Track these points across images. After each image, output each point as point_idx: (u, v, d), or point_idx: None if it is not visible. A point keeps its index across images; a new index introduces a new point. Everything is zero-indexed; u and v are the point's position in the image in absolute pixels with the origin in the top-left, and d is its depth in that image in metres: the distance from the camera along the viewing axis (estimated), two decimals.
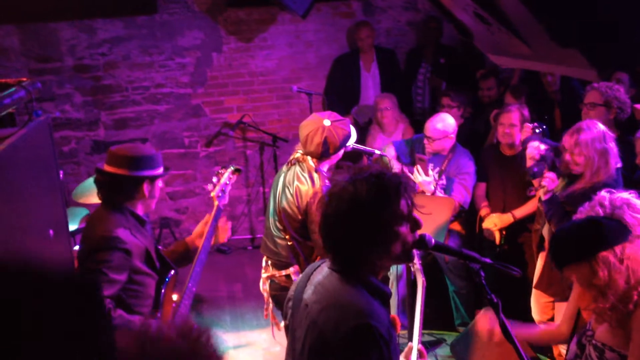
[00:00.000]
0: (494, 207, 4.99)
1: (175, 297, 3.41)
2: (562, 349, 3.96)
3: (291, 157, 3.97)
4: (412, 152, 5.24)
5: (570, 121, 4.88)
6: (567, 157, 3.92)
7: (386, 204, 2.02)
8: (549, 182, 3.99)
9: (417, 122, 6.37)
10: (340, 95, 7.03)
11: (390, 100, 6.04)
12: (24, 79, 2.30)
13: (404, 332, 4.62)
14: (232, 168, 3.86)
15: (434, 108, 6.31)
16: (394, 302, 4.88)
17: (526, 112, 4.85)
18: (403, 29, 7.39)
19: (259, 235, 7.29)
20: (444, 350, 4.81)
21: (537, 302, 4.31)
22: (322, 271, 2.19)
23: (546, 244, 4.09)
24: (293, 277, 3.86)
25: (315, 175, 3.79)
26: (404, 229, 2.07)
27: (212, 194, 3.69)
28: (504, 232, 4.88)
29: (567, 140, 3.92)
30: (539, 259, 4.26)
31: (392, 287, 4.89)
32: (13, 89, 2.16)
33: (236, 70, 7.01)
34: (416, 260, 3.28)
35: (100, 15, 6.51)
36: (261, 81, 7.09)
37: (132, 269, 3.12)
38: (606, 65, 4.58)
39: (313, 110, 6.17)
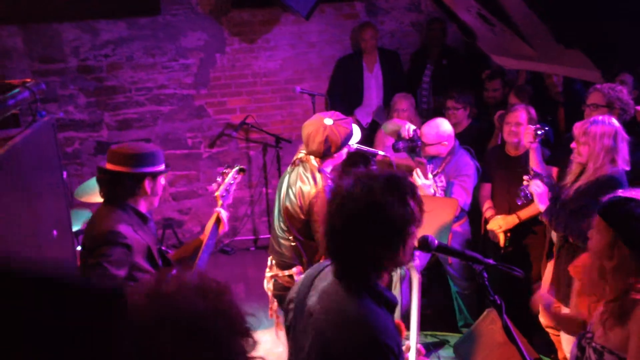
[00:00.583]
0: (498, 209, 4.97)
1: None
2: (568, 353, 3.95)
3: (295, 158, 3.98)
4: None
5: (574, 122, 4.88)
6: (573, 145, 3.91)
7: (403, 204, 2.03)
8: (534, 188, 4.03)
9: (423, 124, 6.35)
10: (343, 96, 7.03)
11: (408, 102, 5.96)
12: (28, 80, 2.30)
13: (407, 334, 4.61)
14: (236, 168, 3.86)
15: (439, 110, 6.29)
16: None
17: (533, 112, 4.84)
18: (406, 30, 7.38)
19: (261, 236, 7.30)
20: (447, 352, 4.80)
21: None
22: (326, 277, 2.17)
23: (554, 250, 4.07)
24: (295, 278, 3.87)
25: (318, 175, 3.79)
26: (415, 231, 2.09)
27: (216, 194, 3.69)
28: (508, 234, 4.86)
29: (577, 127, 3.90)
30: (548, 266, 4.22)
31: (396, 288, 4.88)
32: (17, 89, 2.16)
33: (239, 71, 7.02)
34: (415, 257, 3.26)
35: (104, 16, 6.52)
36: (264, 82, 7.10)
37: (133, 265, 3.13)
38: (610, 67, 4.57)
39: (316, 111, 6.17)
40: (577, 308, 3.06)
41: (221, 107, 7.05)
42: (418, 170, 4.65)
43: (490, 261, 2.38)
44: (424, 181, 4.62)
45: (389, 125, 5.10)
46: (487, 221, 5.00)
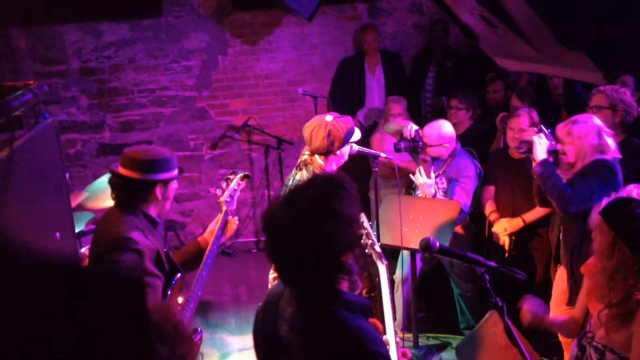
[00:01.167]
0: (502, 211, 4.96)
1: (180, 300, 3.42)
2: None
3: (299, 161, 3.99)
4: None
5: None
6: (558, 146, 3.94)
7: (348, 202, 1.93)
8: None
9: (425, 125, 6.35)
10: (345, 98, 7.04)
11: (401, 106, 5.98)
12: (31, 82, 2.30)
13: (409, 336, 4.61)
14: (241, 174, 3.87)
15: (441, 110, 6.29)
16: (399, 305, 4.88)
17: (535, 116, 4.84)
18: (408, 32, 7.39)
19: (263, 238, 7.26)
20: (449, 354, 4.80)
21: (558, 308, 4.25)
22: (290, 303, 2.03)
23: (562, 252, 4.06)
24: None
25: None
26: (360, 226, 2.03)
27: (221, 199, 3.70)
28: (513, 237, 4.85)
29: (560, 129, 3.94)
30: (558, 271, 4.21)
31: (398, 291, 4.88)
32: (20, 91, 2.17)
33: (241, 73, 7.02)
34: (376, 246, 3.19)
35: (106, 18, 6.53)
36: (266, 84, 7.10)
37: (143, 270, 3.13)
38: (611, 68, 4.57)
39: (318, 112, 6.17)
40: (581, 306, 3.06)
41: (223, 109, 7.06)
42: (421, 168, 4.65)
43: (492, 263, 2.38)
44: (425, 180, 4.61)
45: (391, 125, 5.10)
46: (491, 224, 4.99)
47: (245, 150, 7.23)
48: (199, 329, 3.55)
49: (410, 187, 5.10)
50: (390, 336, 2.67)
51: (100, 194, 4.70)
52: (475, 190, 4.90)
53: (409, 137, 4.68)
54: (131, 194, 3.21)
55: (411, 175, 4.77)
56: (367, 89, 7.05)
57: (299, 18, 6.27)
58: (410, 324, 4.63)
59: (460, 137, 5.15)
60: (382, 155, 4.25)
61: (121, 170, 3.22)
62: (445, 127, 4.85)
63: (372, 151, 4.30)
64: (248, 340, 5.65)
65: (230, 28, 6.88)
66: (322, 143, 3.78)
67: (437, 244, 2.33)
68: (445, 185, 4.86)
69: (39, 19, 6.30)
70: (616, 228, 2.46)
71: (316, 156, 3.87)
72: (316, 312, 1.96)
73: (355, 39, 7.20)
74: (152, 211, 3.30)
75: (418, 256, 4.67)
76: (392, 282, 4.96)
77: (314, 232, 1.89)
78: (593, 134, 3.81)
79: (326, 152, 3.82)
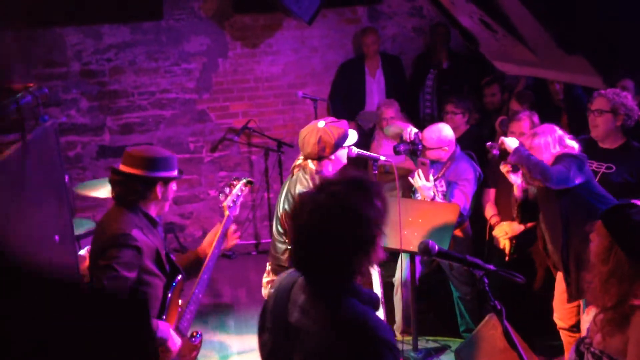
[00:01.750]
0: (503, 215, 4.96)
1: (181, 302, 3.42)
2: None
3: (293, 165, 4.01)
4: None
5: (577, 128, 4.89)
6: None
7: (370, 205, 2.01)
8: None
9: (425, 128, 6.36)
10: (345, 101, 7.04)
11: (394, 109, 5.99)
12: (31, 85, 2.31)
13: (408, 339, 4.61)
14: (244, 180, 3.89)
15: (442, 115, 6.30)
16: (398, 307, 4.88)
17: (536, 119, 4.84)
18: (408, 35, 7.39)
19: (263, 241, 7.30)
20: (448, 357, 4.80)
21: (561, 308, 4.25)
22: (304, 290, 2.11)
23: (552, 254, 4.07)
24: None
25: (317, 178, 3.81)
26: (383, 229, 2.06)
27: (224, 204, 3.71)
28: (514, 241, 4.85)
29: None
30: (559, 276, 4.22)
31: (397, 294, 4.88)
32: (20, 94, 2.17)
33: (242, 75, 7.03)
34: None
35: (107, 20, 6.54)
36: (266, 87, 7.11)
37: (142, 268, 3.14)
38: (611, 73, 4.57)
39: (318, 116, 6.18)
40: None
41: (223, 112, 7.06)
42: (420, 171, 4.65)
43: (491, 267, 2.38)
44: (424, 183, 4.62)
45: (392, 128, 5.11)
46: (492, 228, 4.99)
47: (245, 152, 7.23)
48: (199, 332, 3.55)
49: (409, 190, 5.10)
50: None
51: (96, 186, 4.73)
52: (474, 193, 4.90)
53: (408, 140, 4.69)
54: (131, 191, 3.23)
55: (410, 178, 4.77)
56: (367, 92, 7.06)
57: (299, 21, 6.28)
58: (410, 326, 4.63)
59: (458, 141, 5.15)
60: (382, 158, 4.26)
61: (122, 167, 3.26)
62: (445, 130, 4.85)
63: (372, 154, 4.31)
64: (247, 342, 5.69)
65: (230, 31, 6.89)
66: (314, 149, 3.80)
67: (436, 247, 2.33)
68: (444, 188, 4.86)
69: (39, 21, 6.31)
70: (613, 232, 2.47)
71: (309, 161, 3.88)
72: (329, 300, 2.03)
73: (355, 42, 7.21)
74: (152, 211, 3.32)
75: (417, 259, 4.67)
76: (391, 285, 4.97)
77: (333, 230, 1.98)
78: (554, 143, 3.93)
79: (318, 158, 3.84)
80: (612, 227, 2.48)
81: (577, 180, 3.78)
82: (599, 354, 2.52)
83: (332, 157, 3.85)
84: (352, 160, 4.11)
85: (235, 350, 5.21)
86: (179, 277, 3.41)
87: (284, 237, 3.93)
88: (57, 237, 2.30)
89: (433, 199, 4.68)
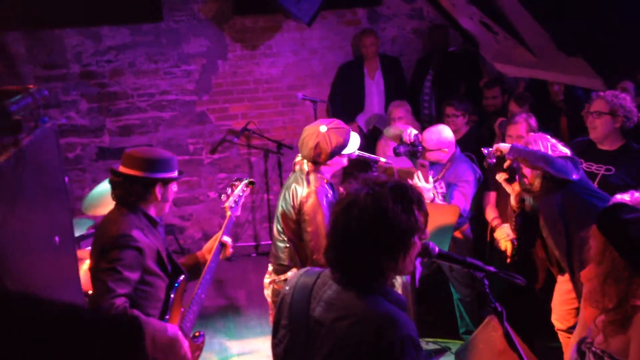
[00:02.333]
0: (504, 218, 4.96)
1: (184, 302, 3.43)
2: None
3: (294, 162, 4.04)
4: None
5: (577, 130, 4.89)
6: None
7: (408, 213, 2.04)
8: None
9: (425, 129, 6.36)
10: (345, 102, 7.04)
11: (404, 109, 5.98)
12: (31, 86, 2.31)
13: None
14: (246, 180, 3.91)
15: (440, 116, 6.30)
16: None
17: (533, 122, 4.84)
18: (408, 37, 7.40)
19: (263, 242, 7.30)
20: (448, 359, 4.80)
21: (559, 309, 4.25)
22: (329, 286, 2.14)
23: (558, 258, 4.07)
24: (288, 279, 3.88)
25: (312, 177, 3.85)
26: (418, 240, 2.10)
27: (226, 205, 3.72)
28: (515, 243, 4.85)
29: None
30: (559, 280, 4.22)
31: None
32: (20, 96, 2.17)
33: (241, 77, 7.03)
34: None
35: (106, 22, 6.54)
36: (266, 88, 7.11)
37: (144, 268, 3.15)
38: (612, 74, 4.58)
39: (318, 117, 6.18)
40: (583, 313, 3.06)
41: (223, 114, 7.06)
42: (419, 173, 4.66)
43: (491, 268, 2.38)
44: (424, 184, 4.62)
45: (391, 130, 5.11)
46: (493, 230, 4.99)
47: (245, 154, 7.23)
48: (201, 333, 3.56)
49: None
50: None
51: (100, 201, 4.70)
52: (474, 195, 4.90)
53: (408, 142, 4.69)
54: (131, 192, 3.24)
55: (409, 180, 4.77)
56: (366, 93, 7.06)
57: (299, 23, 6.28)
58: None
59: (458, 143, 5.15)
60: (382, 160, 4.26)
61: (122, 169, 3.26)
62: (445, 132, 4.86)
63: (372, 156, 4.31)
64: (247, 344, 5.68)
65: (230, 33, 6.89)
66: (309, 153, 3.82)
67: (437, 248, 2.33)
68: (444, 189, 4.87)
69: (39, 23, 6.31)
70: (606, 233, 2.48)
71: (305, 162, 3.92)
72: (358, 295, 2.06)
73: (354, 44, 7.21)
74: (152, 212, 3.33)
75: (417, 261, 4.66)
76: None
77: (364, 228, 2.02)
78: (546, 150, 3.91)
79: (313, 162, 3.85)
80: (605, 228, 2.49)
81: (575, 176, 3.78)
82: (600, 354, 2.52)
83: (329, 162, 3.86)
84: (353, 161, 4.12)
85: (235, 352, 5.21)
86: (182, 277, 3.42)
87: (284, 236, 3.96)
88: (57, 239, 2.30)
89: (433, 200, 4.68)
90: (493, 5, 4.64)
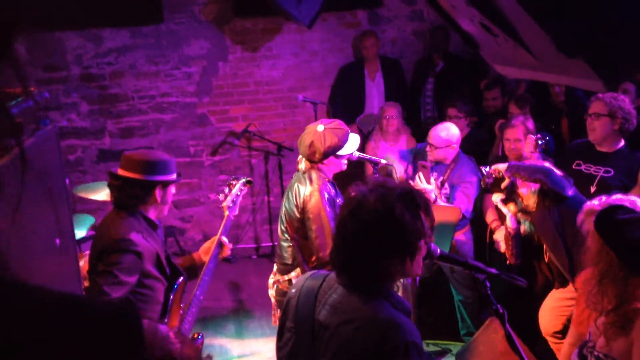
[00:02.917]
0: (504, 220, 4.96)
1: (182, 304, 3.43)
2: None
3: (297, 161, 4.09)
4: (415, 161, 5.26)
5: (578, 131, 4.89)
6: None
7: (415, 218, 2.06)
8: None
9: (426, 131, 6.37)
10: (345, 104, 7.05)
11: (397, 109, 6.06)
12: (32, 89, 2.31)
13: None
14: (243, 180, 3.92)
15: (442, 118, 6.31)
16: None
17: (530, 125, 4.85)
18: (408, 39, 7.40)
19: (263, 244, 7.30)
20: None
21: (549, 314, 4.24)
22: (335, 290, 2.15)
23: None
24: (294, 282, 3.89)
25: (314, 176, 3.86)
26: (424, 245, 2.12)
27: (223, 205, 3.73)
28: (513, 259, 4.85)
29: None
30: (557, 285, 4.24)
31: None
32: (21, 98, 2.17)
33: (242, 79, 7.03)
34: None
35: (107, 24, 6.54)
36: (266, 90, 7.11)
37: (143, 272, 3.14)
38: (612, 76, 4.58)
39: (318, 119, 6.18)
40: (578, 320, 3.07)
41: (223, 115, 7.06)
42: (420, 174, 4.67)
43: (493, 270, 2.38)
44: (425, 186, 4.64)
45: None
46: (492, 232, 4.99)
47: (246, 156, 7.23)
48: (201, 334, 3.56)
49: None
50: None
51: (93, 188, 4.73)
52: (476, 196, 4.91)
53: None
54: (130, 195, 3.23)
55: (411, 182, 4.78)
56: (366, 95, 7.06)
57: (299, 25, 6.28)
58: None
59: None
60: (383, 161, 4.27)
61: (121, 171, 3.25)
62: (452, 129, 4.95)
63: (373, 157, 4.32)
64: (247, 346, 5.67)
65: (230, 35, 6.90)
66: (305, 150, 3.86)
67: (438, 250, 2.33)
68: (447, 191, 4.90)
69: (40, 25, 6.30)
70: (603, 234, 2.48)
71: (304, 160, 3.95)
72: (363, 299, 2.07)
73: (355, 46, 7.22)
74: (152, 214, 3.32)
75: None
76: None
77: (371, 231, 2.04)
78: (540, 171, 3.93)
79: (309, 161, 3.86)
80: (602, 229, 2.49)
81: (570, 192, 3.78)
82: (602, 357, 2.52)
83: (325, 162, 3.87)
84: (353, 162, 4.13)
85: (236, 353, 5.20)
86: (181, 278, 3.42)
87: (287, 235, 3.98)
88: (57, 241, 2.29)
89: (435, 201, 4.69)
90: (493, 6, 4.64)
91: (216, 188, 7.15)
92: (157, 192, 3.26)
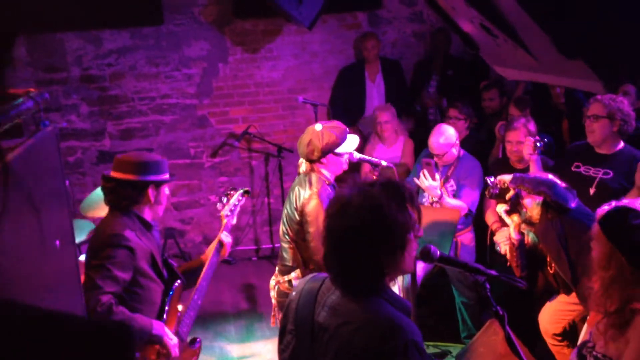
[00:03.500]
0: (504, 221, 4.96)
1: (180, 307, 3.44)
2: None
3: (298, 164, 4.11)
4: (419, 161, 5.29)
5: (579, 133, 4.89)
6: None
7: (401, 210, 2.04)
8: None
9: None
10: (346, 105, 7.05)
11: (390, 113, 6.07)
12: (32, 90, 2.31)
13: None
14: (241, 190, 3.98)
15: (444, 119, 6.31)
16: None
17: (532, 127, 4.86)
18: (408, 40, 7.40)
19: (263, 246, 7.30)
20: None
21: (551, 315, 4.24)
22: (333, 292, 2.14)
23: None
24: (294, 283, 3.93)
25: (314, 178, 3.88)
26: (413, 237, 2.10)
27: (222, 213, 3.78)
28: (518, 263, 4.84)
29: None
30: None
31: None
32: (21, 99, 2.17)
33: (242, 81, 7.03)
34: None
35: (107, 25, 6.54)
36: (267, 92, 7.11)
37: (137, 270, 3.17)
38: (613, 78, 4.58)
39: (318, 120, 6.18)
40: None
41: (223, 117, 7.06)
42: (425, 171, 4.71)
43: (493, 272, 2.38)
44: (431, 183, 4.68)
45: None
46: (493, 233, 4.99)
47: (246, 158, 7.23)
48: (198, 338, 3.57)
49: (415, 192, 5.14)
50: None
51: (99, 203, 4.72)
52: (482, 189, 4.95)
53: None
54: (123, 196, 3.28)
55: (415, 179, 4.82)
56: (367, 96, 7.06)
57: (300, 26, 6.28)
58: None
59: None
60: (384, 163, 4.27)
61: (113, 173, 3.32)
62: (448, 130, 4.99)
63: (374, 159, 4.32)
64: (247, 348, 5.67)
65: (231, 36, 6.90)
66: (304, 150, 3.89)
67: (438, 252, 2.32)
68: (454, 187, 4.95)
69: (40, 26, 6.31)
70: (613, 239, 2.46)
71: (304, 161, 3.97)
72: (361, 299, 2.06)
73: (355, 47, 7.22)
74: (146, 215, 3.36)
75: (418, 264, 4.67)
76: None
77: (362, 229, 2.01)
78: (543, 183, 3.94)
79: (308, 160, 3.87)
80: (611, 233, 2.47)
81: (573, 204, 3.77)
82: (601, 358, 2.52)
83: (323, 161, 3.88)
84: (352, 165, 4.13)
85: (236, 355, 5.20)
86: (178, 282, 3.43)
87: (288, 237, 3.98)
88: (57, 242, 2.29)
89: (441, 197, 4.72)
90: (493, 7, 4.64)
91: (216, 190, 7.16)
92: (150, 192, 3.31)
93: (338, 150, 3.91)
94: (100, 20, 6.43)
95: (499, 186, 4.01)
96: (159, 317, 3.33)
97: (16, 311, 1.13)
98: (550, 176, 3.87)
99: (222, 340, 5.43)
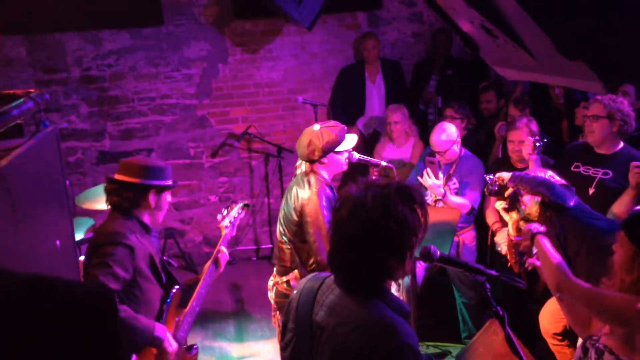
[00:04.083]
0: (504, 222, 4.97)
1: (178, 312, 3.47)
2: None
3: (295, 165, 4.15)
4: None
5: (578, 133, 4.89)
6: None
7: (415, 215, 2.05)
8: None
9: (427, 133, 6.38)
10: (345, 106, 7.05)
11: (401, 113, 6.05)
12: (32, 90, 2.31)
13: None
14: (241, 204, 4.03)
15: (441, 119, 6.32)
16: None
17: (534, 127, 4.87)
18: (408, 41, 7.40)
19: (263, 246, 7.30)
20: None
21: (551, 315, 4.24)
22: (332, 291, 2.15)
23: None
24: (292, 283, 3.94)
25: (312, 179, 3.88)
26: (417, 240, 2.10)
27: (221, 225, 3.83)
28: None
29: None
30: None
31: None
32: (21, 100, 2.17)
33: (242, 81, 7.03)
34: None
35: (107, 26, 6.54)
36: (266, 92, 7.11)
37: (137, 270, 3.19)
38: (613, 78, 4.57)
39: (318, 121, 6.18)
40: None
41: (223, 117, 7.06)
42: (428, 169, 4.72)
43: (493, 272, 2.38)
44: (434, 181, 4.70)
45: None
46: (494, 233, 5.00)
47: (245, 158, 7.23)
48: (195, 345, 3.60)
49: None
50: None
51: (95, 197, 4.75)
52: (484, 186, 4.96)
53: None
54: (125, 198, 3.33)
55: (419, 178, 4.83)
56: (367, 97, 7.06)
57: (300, 27, 6.28)
58: None
59: None
60: (383, 163, 4.28)
61: (118, 176, 3.37)
62: (449, 128, 5.01)
63: (373, 159, 4.33)
64: (247, 348, 5.67)
65: (230, 36, 6.90)
66: (304, 151, 3.88)
67: (438, 252, 2.33)
68: (457, 185, 4.97)
69: (40, 27, 6.32)
70: (637, 242, 2.46)
71: (304, 163, 3.98)
72: (359, 300, 2.06)
73: (355, 48, 7.22)
74: (146, 219, 3.40)
75: (419, 264, 4.68)
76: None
77: (371, 230, 2.01)
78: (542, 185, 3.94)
79: (309, 160, 3.88)
80: (636, 237, 2.47)
81: (571, 203, 3.78)
82: (602, 349, 2.53)
83: (324, 160, 3.88)
84: (353, 164, 4.13)
85: (235, 355, 5.21)
86: (177, 287, 3.47)
87: (285, 238, 3.98)
88: (58, 242, 2.30)
89: (444, 195, 4.74)
90: (493, 8, 4.64)
91: (216, 190, 7.16)
92: (151, 197, 3.35)
93: (338, 148, 3.91)
94: (100, 21, 6.44)
95: (497, 183, 4.01)
96: (158, 320, 3.34)
97: None
98: (550, 172, 3.87)
99: (221, 340, 5.44)
